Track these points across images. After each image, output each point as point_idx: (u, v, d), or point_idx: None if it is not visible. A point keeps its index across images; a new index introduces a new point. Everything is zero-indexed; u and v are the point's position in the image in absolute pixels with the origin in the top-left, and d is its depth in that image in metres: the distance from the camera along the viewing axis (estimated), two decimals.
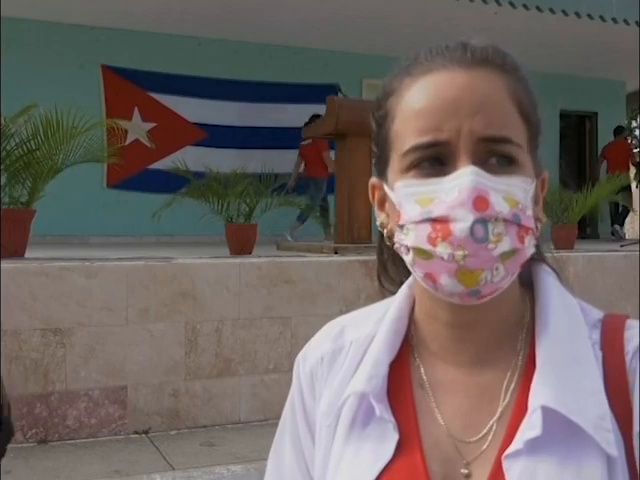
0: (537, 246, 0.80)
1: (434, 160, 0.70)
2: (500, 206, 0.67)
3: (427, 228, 0.69)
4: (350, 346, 0.83)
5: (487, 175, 0.68)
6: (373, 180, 0.80)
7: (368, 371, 0.77)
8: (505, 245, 0.68)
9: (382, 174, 0.77)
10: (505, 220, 0.68)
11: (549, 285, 0.78)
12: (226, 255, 6.13)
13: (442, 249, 0.68)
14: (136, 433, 4.98)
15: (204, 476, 4.30)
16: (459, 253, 0.67)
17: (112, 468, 4.35)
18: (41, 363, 4.74)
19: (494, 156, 0.70)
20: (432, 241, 0.68)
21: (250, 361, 5.36)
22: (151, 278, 5.09)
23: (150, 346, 5.06)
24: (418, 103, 0.71)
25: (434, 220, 0.68)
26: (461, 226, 0.67)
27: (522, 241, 0.69)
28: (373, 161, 0.81)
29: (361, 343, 0.82)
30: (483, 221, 0.67)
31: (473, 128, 0.69)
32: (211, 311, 5.23)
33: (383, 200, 0.78)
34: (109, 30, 8.98)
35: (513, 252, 0.69)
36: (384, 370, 0.77)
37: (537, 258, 0.80)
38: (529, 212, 0.70)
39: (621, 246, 8.08)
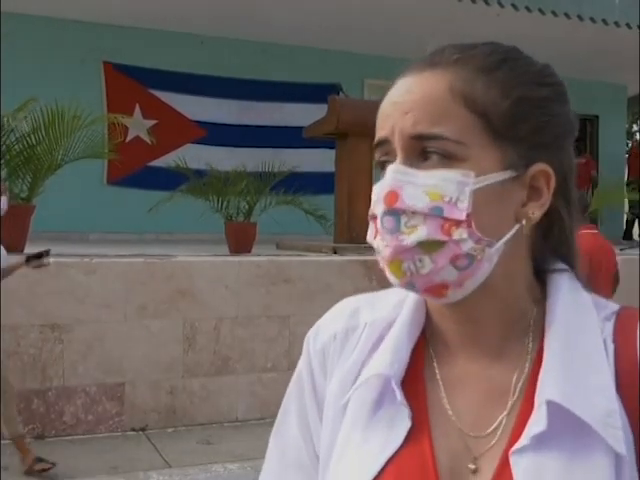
0: (553, 244, 0.80)
1: (388, 162, 0.75)
2: (414, 200, 0.70)
3: (371, 225, 0.76)
4: (364, 327, 0.83)
5: (410, 170, 0.72)
6: None
7: (390, 356, 0.77)
8: (419, 235, 0.70)
9: None
10: (424, 214, 0.70)
11: (560, 281, 0.77)
12: (225, 253, 6.14)
13: (377, 242, 0.74)
14: (133, 430, 4.98)
15: (201, 474, 4.30)
16: (380, 244, 0.73)
17: (109, 465, 4.35)
18: (39, 359, 4.74)
19: (430, 152, 0.72)
20: (374, 235, 0.75)
21: (248, 359, 5.36)
22: (150, 275, 5.09)
23: (148, 343, 5.06)
24: (379, 110, 0.77)
25: (372, 217, 0.75)
26: (377, 220, 0.73)
27: (447, 233, 0.70)
28: None
29: (377, 326, 0.82)
30: (393, 213, 0.71)
31: (403, 126, 0.72)
32: (210, 309, 5.23)
33: None
34: (111, 27, 8.97)
35: (436, 244, 0.70)
36: (406, 356, 0.78)
37: (553, 265, 0.80)
38: (463, 204, 0.70)
39: (620, 250, 8.08)
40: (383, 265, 0.74)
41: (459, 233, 0.70)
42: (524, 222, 0.73)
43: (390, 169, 0.73)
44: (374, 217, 0.74)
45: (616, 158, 12.22)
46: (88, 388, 4.88)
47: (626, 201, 11.09)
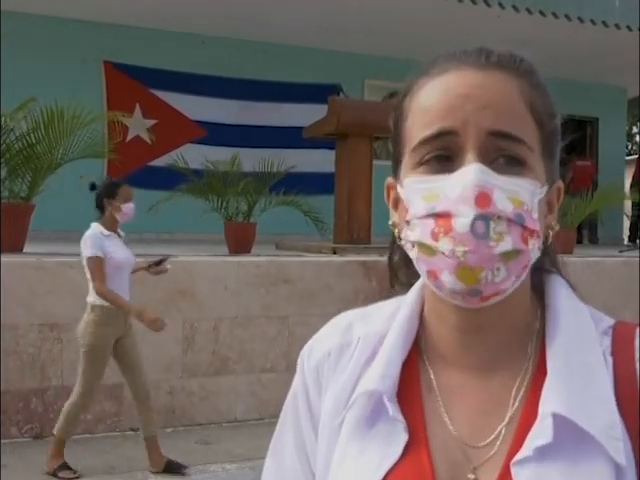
0: (551, 254, 0.81)
1: (441, 156, 0.71)
2: (503, 205, 0.68)
3: (431, 223, 0.69)
4: (358, 342, 0.82)
5: (493, 173, 0.68)
6: (389, 180, 0.80)
7: (381, 370, 0.76)
8: (507, 244, 0.68)
9: (396, 173, 0.78)
10: (508, 219, 0.68)
11: (560, 293, 0.78)
12: (225, 253, 6.13)
13: (444, 244, 0.68)
14: (131, 430, 4.97)
15: (199, 474, 4.30)
16: (459, 249, 0.67)
17: (107, 464, 4.35)
18: (38, 358, 4.73)
19: (502, 155, 0.70)
20: (435, 236, 0.69)
21: (247, 360, 5.35)
22: (149, 275, 5.08)
23: (147, 343, 5.05)
24: (428, 100, 0.73)
25: (437, 215, 0.69)
26: (462, 221, 0.67)
27: (526, 242, 0.69)
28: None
29: (370, 340, 0.81)
30: (485, 218, 0.67)
31: (481, 121, 0.69)
32: (209, 309, 5.23)
33: (397, 200, 0.78)
34: (112, 26, 8.97)
35: (515, 253, 0.68)
36: (397, 370, 0.77)
37: (549, 267, 0.80)
38: (535, 215, 0.70)
39: (620, 252, 8.09)
40: (442, 269, 0.69)
41: (533, 243, 0.70)
42: (551, 233, 0.75)
43: (476, 168, 0.68)
44: (446, 216, 0.68)
45: (616, 160, 12.22)
46: None
47: (630, 203, 11.12)
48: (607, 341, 0.75)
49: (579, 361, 0.72)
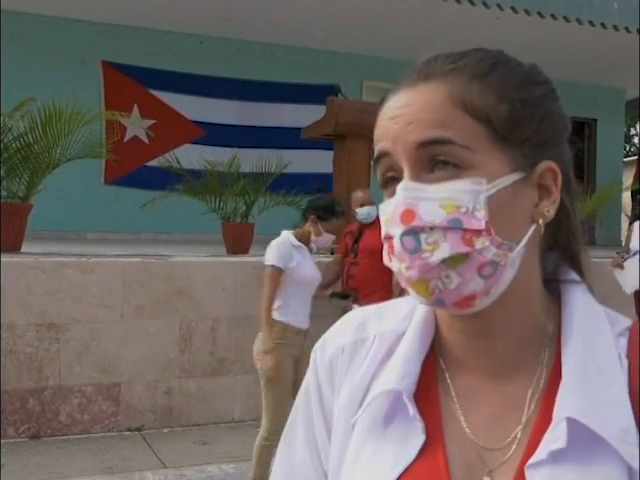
0: (563, 244, 0.80)
1: (392, 178, 0.74)
2: (432, 215, 0.69)
3: (387, 246, 0.74)
4: (374, 339, 0.82)
5: (421, 186, 0.70)
6: None
7: (401, 369, 0.77)
8: (443, 252, 0.69)
9: None
10: (443, 228, 0.69)
11: (575, 295, 0.77)
12: (223, 254, 6.13)
13: (394, 264, 0.73)
14: (129, 430, 4.98)
15: (196, 475, 4.30)
16: (402, 266, 0.71)
17: (104, 465, 4.35)
18: (35, 358, 4.73)
19: (438, 162, 0.71)
20: (389, 258, 0.74)
21: (245, 360, 5.35)
22: (147, 275, 5.08)
23: (145, 343, 5.06)
24: (376, 127, 0.76)
25: (388, 238, 0.73)
26: (396, 241, 0.71)
27: (470, 244, 0.69)
28: None
29: (386, 338, 0.81)
30: (412, 232, 0.70)
31: (407, 137, 0.71)
32: (207, 309, 5.23)
33: None
34: (111, 26, 8.98)
35: (461, 257, 0.69)
36: (417, 370, 0.77)
37: (561, 259, 0.80)
38: (480, 213, 0.69)
39: (617, 253, 8.09)
40: (406, 285, 0.73)
41: (481, 242, 0.69)
42: (541, 221, 0.74)
43: (400, 187, 0.71)
44: (389, 238, 0.72)
45: (614, 161, 12.24)
46: (84, 388, 4.88)
47: (629, 205, 11.12)
48: (623, 343, 0.74)
49: (594, 364, 0.72)
